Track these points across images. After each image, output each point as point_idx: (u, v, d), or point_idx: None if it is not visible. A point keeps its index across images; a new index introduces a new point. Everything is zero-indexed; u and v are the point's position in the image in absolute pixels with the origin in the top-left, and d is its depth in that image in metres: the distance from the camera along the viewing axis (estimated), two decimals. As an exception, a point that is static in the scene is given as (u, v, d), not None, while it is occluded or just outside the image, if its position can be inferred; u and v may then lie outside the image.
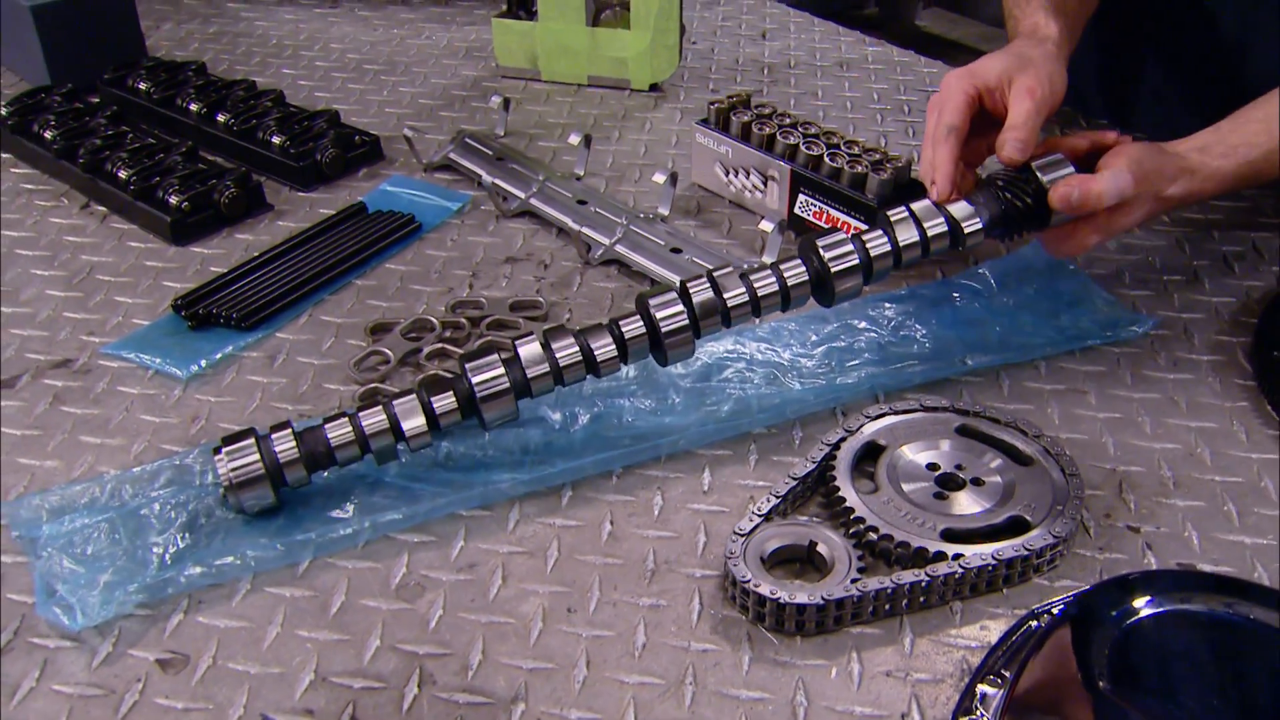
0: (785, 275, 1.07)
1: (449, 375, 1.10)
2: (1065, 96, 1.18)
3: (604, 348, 1.02)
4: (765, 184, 1.38)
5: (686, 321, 1.03)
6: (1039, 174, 1.10)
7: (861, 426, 1.03)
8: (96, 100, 1.68)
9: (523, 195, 1.43)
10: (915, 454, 1.00)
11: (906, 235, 1.09)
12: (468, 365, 1.00)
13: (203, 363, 1.16)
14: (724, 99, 1.43)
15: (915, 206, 1.10)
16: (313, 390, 1.13)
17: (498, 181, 1.42)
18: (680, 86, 1.75)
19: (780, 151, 1.36)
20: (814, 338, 1.16)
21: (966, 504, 0.95)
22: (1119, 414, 1.08)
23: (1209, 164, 1.14)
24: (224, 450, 0.96)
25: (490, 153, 1.53)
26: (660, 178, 1.36)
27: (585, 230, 1.32)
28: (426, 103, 1.72)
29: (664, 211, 1.39)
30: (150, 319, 1.23)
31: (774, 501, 0.95)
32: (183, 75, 1.68)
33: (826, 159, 1.31)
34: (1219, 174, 1.14)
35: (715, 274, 1.06)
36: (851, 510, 0.94)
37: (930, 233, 1.09)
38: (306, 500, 0.99)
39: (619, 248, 1.32)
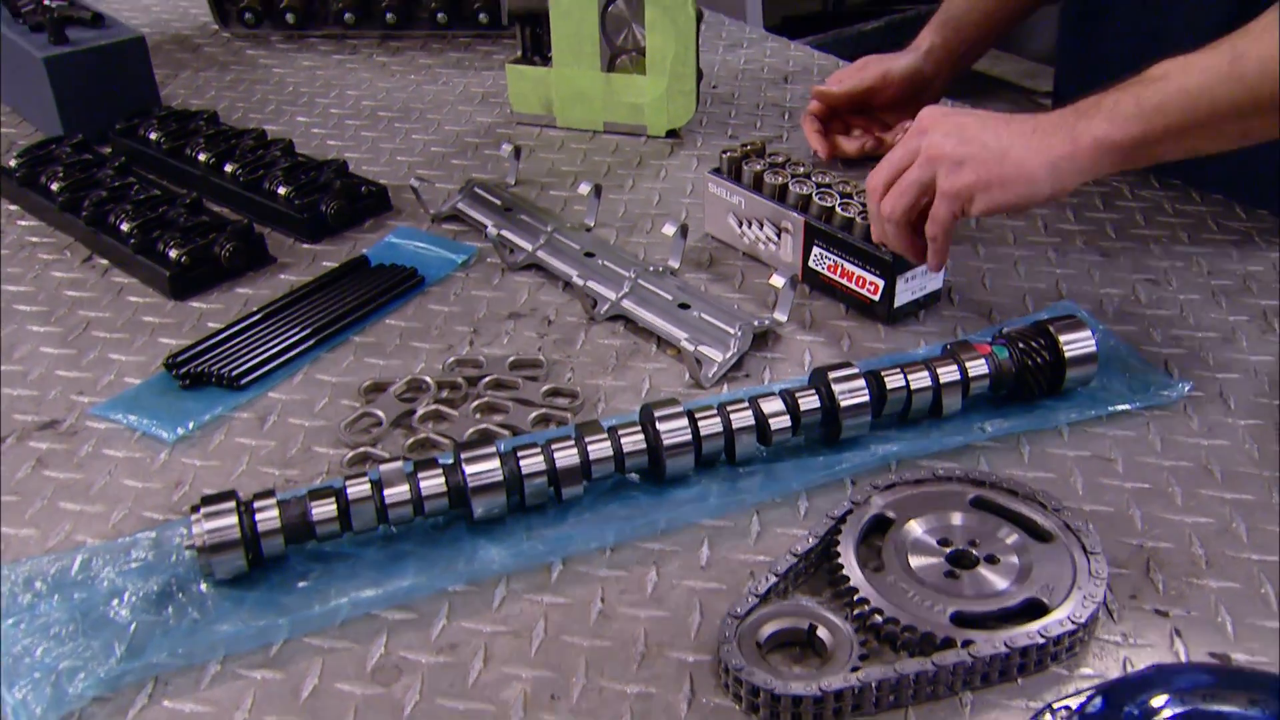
0: (801, 405, 1.05)
1: (443, 444, 1.07)
2: None
3: (602, 454, 1.00)
4: (779, 236, 1.33)
5: (689, 438, 1.02)
6: (1057, 334, 1.09)
7: (869, 498, 0.97)
8: (108, 151, 1.67)
9: (529, 247, 1.39)
10: (926, 529, 0.94)
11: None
12: (463, 455, 0.96)
13: (191, 424, 1.12)
14: (737, 147, 1.39)
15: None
16: (301, 454, 1.09)
17: (504, 233, 1.38)
18: (698, 133, 1.71)
19: (793, 202, 1.31)
20: (824, 401, 1.11)
21: (980, 584, 0.89)
22: (1148, 484, 1.01)
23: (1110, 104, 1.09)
24: (202, 510, 0.92)
25: (499, 203, 1.49)
26: (670, 229, 1.32)
27: (591, 284, 1.27)
28: (438, 150, 1.69)
29: (674, 264, 1.35)
30: (143, 377, 1.20)
31: (772, 580, 0.89)
32: (194, 124, 1.67)
33: (839, 210, 1.26)
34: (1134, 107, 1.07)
35: (728, 407, 1.04)
36: (855, 590, 0.88)
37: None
38: (284, 573, 0.95)
39: (625, 303, 1.28)
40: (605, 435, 1.01)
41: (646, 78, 1.65)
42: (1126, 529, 0.96)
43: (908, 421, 1.09)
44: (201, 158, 1.57)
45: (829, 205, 1.27)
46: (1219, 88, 1.05)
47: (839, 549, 0.92)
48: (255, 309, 1.29)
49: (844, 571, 0.90)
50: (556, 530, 0.98)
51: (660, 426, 1.01)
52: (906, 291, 1.23)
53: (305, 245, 1.45)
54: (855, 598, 0.88)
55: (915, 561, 0.91)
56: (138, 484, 1.06)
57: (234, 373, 1.18)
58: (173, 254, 1.34)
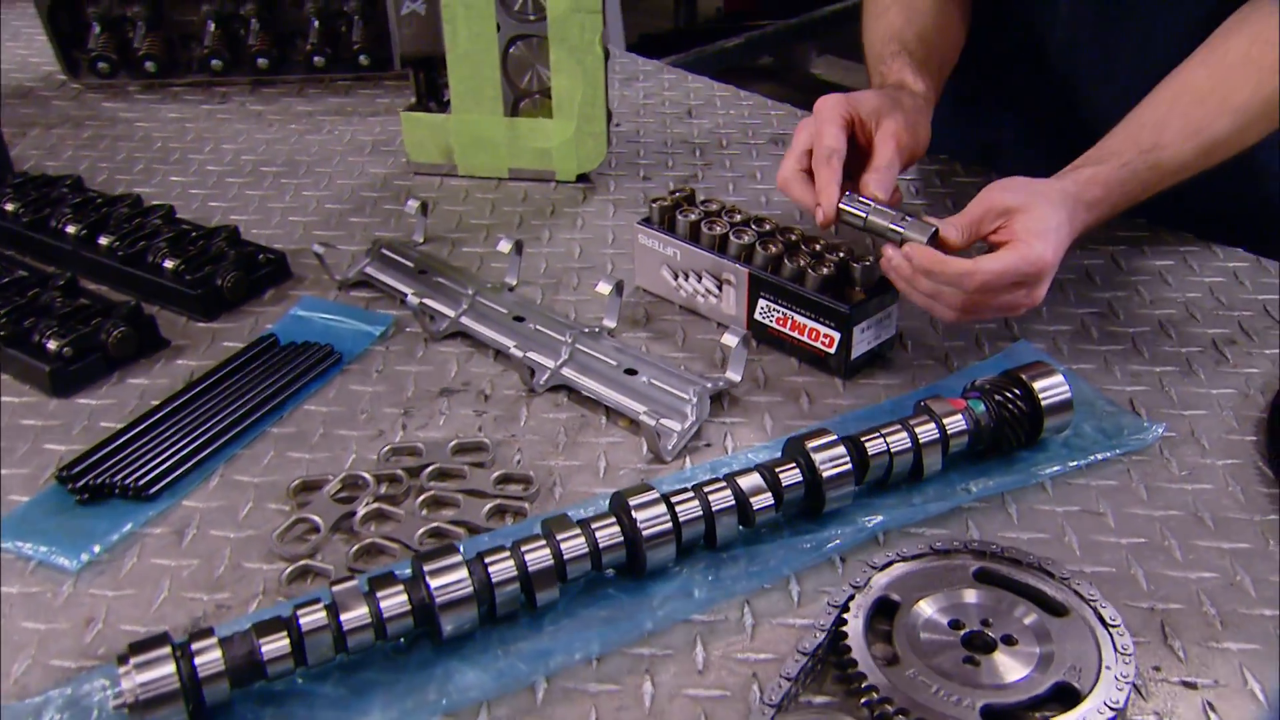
0: (782, 480, 0.99)
1: (392, 549, 0.96)
2: (934, 146, 1.26)
3: (576, 553, 0.92)
4: (720, 288, 1.27)
5: (669, 528, 0.94)
6: (1031, 383, 1.06)
7: (870, 580, 0.91)
8: (-42, 225, 1.50)
9: (452, 314, 1.29)
10: (935, 610, 0.88)
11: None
12: (425, 567, 0.86)
13: (96, 548, 0.99)
14: (667, 195, 1.32)
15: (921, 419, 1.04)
16: (230, 572, 0.97)
17: (424, 300, 1.28)
18: (609, 175, 1.63)
19: (735, 253, 1.24)
20: (798, 472, 1.04)
21: (1002, 670, 0.83)
22: (1143, 538, 0.97)
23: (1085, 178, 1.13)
24: (131, 661, 0.80)
25: (411, 264, 1.39)
26: (605, 288, 1.24)
27: (530, 355, 1.18)
28: (334, 208, 1.57)
29: (610, 324, 1.27)
30: (31, 493, 1.06)
31: (786, 687, 0.82)
32: (56, 192, 1.51)
33: (787, 260, 1.20)
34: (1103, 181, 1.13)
35: (705, 489, 0.97)
36: (874, 689, 0.81)
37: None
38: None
39: (566, 371, 1.19)
40: (578, 531, 0.92)
41: (553, 121, 1.57)
42: (1133, 590, 0.92)
43: (887, 486, 1.03)
44: (70, 230, 1.42)
45: (775, 254, 1.21)
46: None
47: (848, 641, 0.85)
48: (155, 403, 1.16)
49: (859, 668, 0.83)
50: (534, 643, 0.89)
51: (637, 516, 0.93)
52: (863, 342, 1.18)
53: (201, 324, 1.31)
54: (876, 697, 0.81)
55: (930, 649, 0.85)
56: (40, 626, 0.92)
57: (140, 481, 1.05)
58: (51, 345, 1.20)
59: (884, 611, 0.89)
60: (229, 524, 1.02)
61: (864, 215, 1.12)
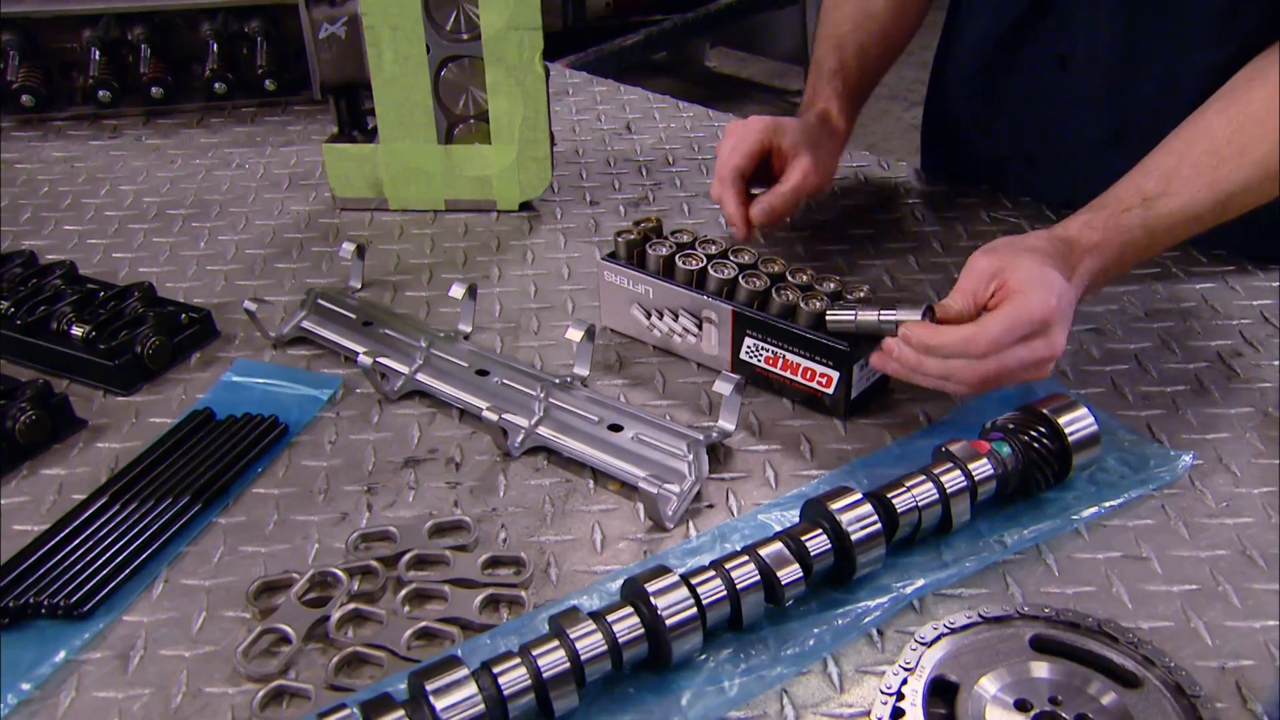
0: (810, 549, 0.90)
1: (377, 659, 0.85)
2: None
3: (594, 651, 0.82)
4: (700, 327, 1.17)
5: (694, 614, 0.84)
6: (1055, 418, 0.99)
7: (920, 658, 0.82)
8: None
9: (406, 370, 1.17)
10: (997, 690, 0.80)
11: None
12: (427, 686, 0.75)
13: (25, 686, 0.85)
14: (631, 227, 1.21)
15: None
16: (191, 701, 0.84)
17: (376, 361, 1.15)
18: (553, 202, 1.52)
19: (715, 289, 1.15)
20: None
21: (1084, 756, 0.76)
22: (1195, 584, 0.91)
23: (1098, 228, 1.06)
24: None
25: (353, 316, 1.26)
26: (576, 334, 1.13)
27: (506, 417, 1.07)
28: (256, 253, 1.43)
29: (583, 373, 1.16)
30: (-60, 618, 0.91)
31: (854, 798, 0.73)
32: (-63, 252, 1.34)
33: (775, 295, 1.11)
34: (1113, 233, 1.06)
35: (726, 565, 0.87)
36: (953, 792, 0.73)
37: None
38: None
39: (543, 430, 1.08)
40: (593, 626, 0.82)
41: (492, 147, 1.46)
42: (1199, 649, 0.85)
43: (913, 543, 0.95)
44: (-43, 297, 1.26)
45: (760, 290, 1.12)
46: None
47: (914, 736, 0.77)
48: (78, 498, 1.02)
49: (932, 768, 0.74)
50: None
51: (658, 603, 0.83)
52: (862, 380, 1.10)
53: (120, 398, 1.17)
54: (956, 802, 0.72)
55: (1001, 735, 0.77)
56: (-30, 787, 0.78)
57: (70, 599, 0.91)
58: (-51, 439, 1.05)
59: (939, 693, 0.81)
60: (181, 640, 0.89)
61: (852, 317, 1.05)
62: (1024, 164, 1.48)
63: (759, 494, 1.02)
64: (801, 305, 1.09)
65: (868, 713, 0.81)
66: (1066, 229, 1.06)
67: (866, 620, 0.88)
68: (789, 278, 1.13)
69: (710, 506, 1.01)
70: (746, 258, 1.17)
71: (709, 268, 1.15)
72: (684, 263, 1.16)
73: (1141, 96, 1.31)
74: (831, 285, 1.12)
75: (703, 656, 0.86)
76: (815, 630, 0.87)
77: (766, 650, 0.86)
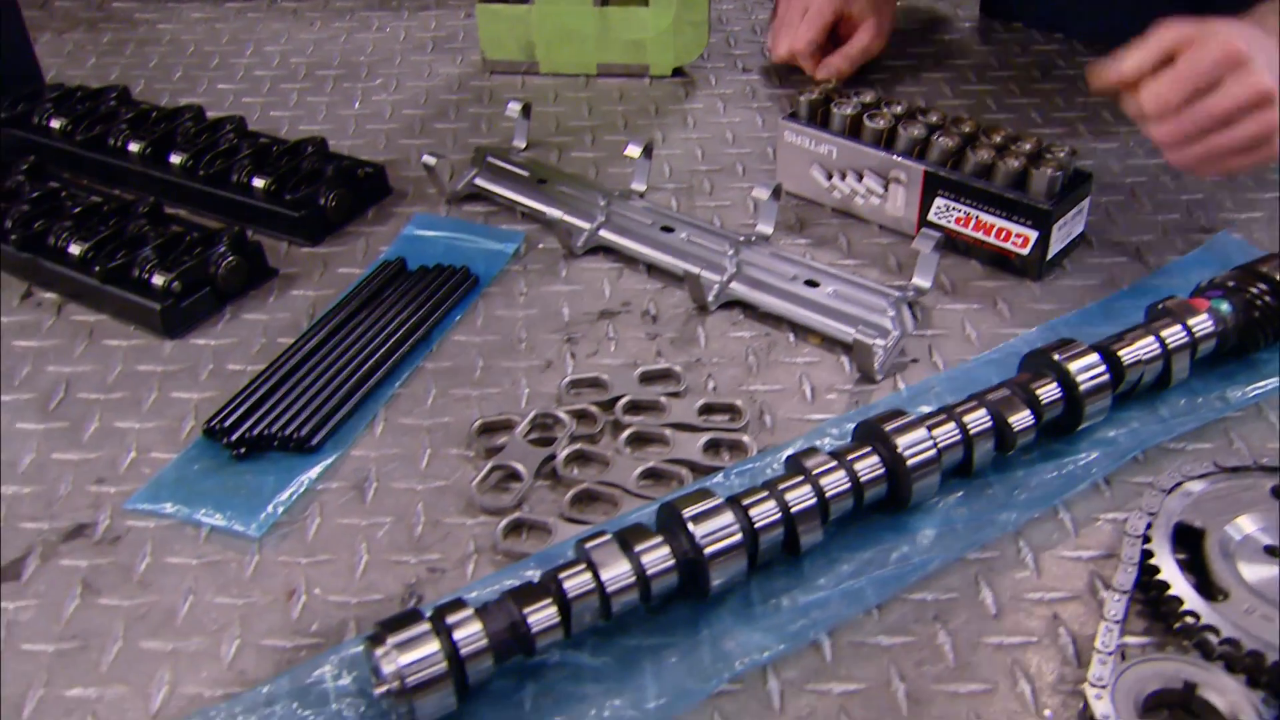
0: (1041, 397, 0.89)
1: (611, 495, 0.86)
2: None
3: (838, 489, 0.83)
4: (885, 188, 1.16)
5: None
6: (1276, 275, 0.97)
7: (1162, 504, 0.83)
8: (-9, 146, 1.34)
9: (588, 226, 1.17)
10: (1249, 533, 0.80)
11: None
12: (685, 513, 0.76)
13: (278, 509, 0.87)
14: (813, 88, 1.20)
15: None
16: (431, 530, 0.86)
17: (564, 215, 1.15)
18: (705, 68, 1.50)
19: (905, 148, 1.14)
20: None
21: (1341, 598, 0.76)
22: None
23: None
24: (390, 641, 0.69)
25: (525, 174, 1.25)
26: (762, 193, 1.12)
27: (705, 273, 1.06)
28: (413, 113, 1.42)
29: (766, 231, 1.15)
30: (171, 448, 0.94)
31: (1116, 631, 0.74)
32: (104, 105, 1.35)
33: (969, 154, 1.10)
34: None
35: (958, 410, 0.88)
36: (1213, 629, 0.74)
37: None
38: (495, 705, 0.73)
39: (737, 286, 1.08)
40: (836, 463, 0.83)
41: (649, 9, 1.43)
42: None
43: (1129, 399, 0.95)
44: (134, 148, 1.27)
45: (953, 148, 1.11)
46: None
47: (1163, 576, 0.77)
48: (288, 341, 1.03)
49: (1187, 606, 0.75)
50: (804, 594, 0.80)
51: (898, 442, 0.83)
52: (1058, 240, 1.09)
53: (305, 249, 1.18)
54: (1219, 639, 0.73)
55: (1252, 579, 0.77)
56: (235, 600, 0.81)
57: (301, 431, 0.93)
58: (158, 280, 1.06)
59: (1181, 539, 0.82)
60: (411, 475, 0.91)
61: None
62: None
63: (960, 350, 1.02)
64: (999, 164, 1.08)
65: (1105, 555, 0.82)
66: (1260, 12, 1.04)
67: (1095, 469, 0.88)
68: (982, 137, 1.12)
69: (914, 361, 1.01)
70: (935, 117, 1.15)
71: (899, 127, 1.14)
72: (871, 121, 1.15)
73: None
74: (1028, 146, 1.10)
75: (935, 501, 0.87)
76: (1043, 479, 0.88)
77: (997, 497, 0.87)
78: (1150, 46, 0.99)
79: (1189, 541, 0.81)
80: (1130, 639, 0.76)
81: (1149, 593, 0.78)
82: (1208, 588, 0.77)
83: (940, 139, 1.11)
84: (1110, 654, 0.72)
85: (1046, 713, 0.72)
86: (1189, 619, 0.75)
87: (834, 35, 1.43)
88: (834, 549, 0.83)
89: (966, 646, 0.77)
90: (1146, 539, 0.80)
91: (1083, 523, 0.85)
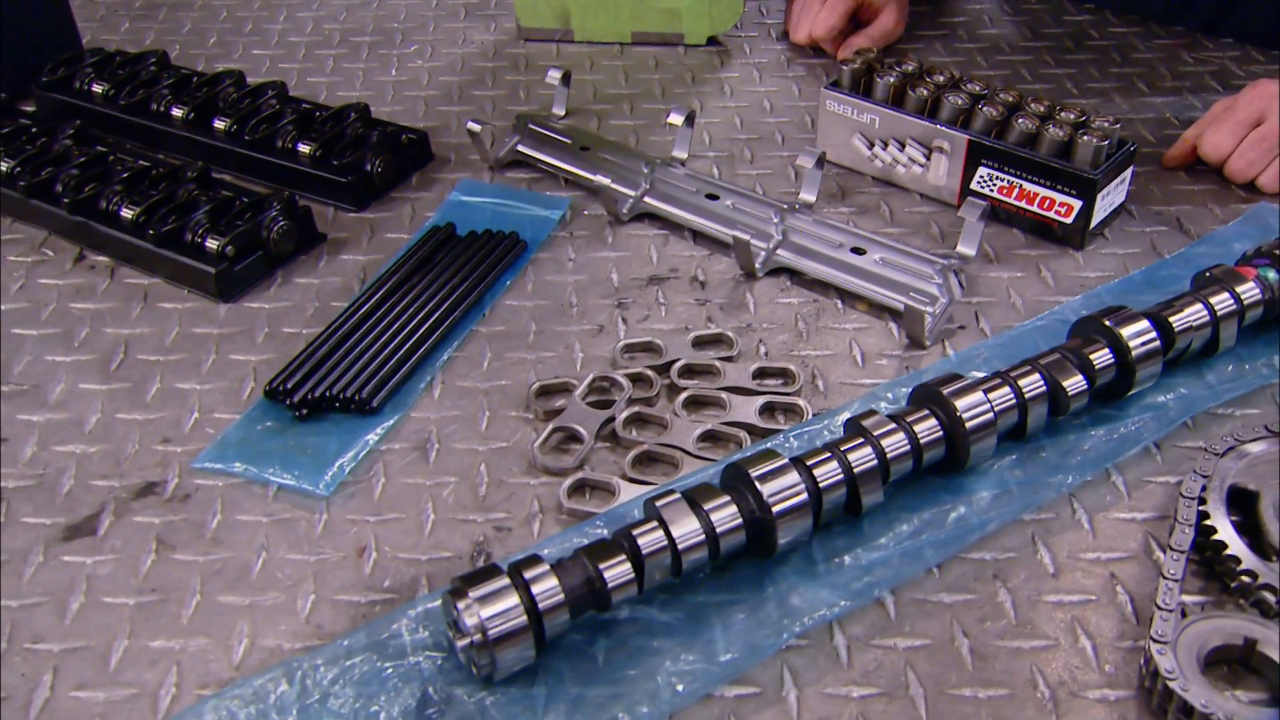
0: (1095, 362, 0.90)
1: (671, 457, 0.88)
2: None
3: (898, 450, 0.84)
4: (928, 157, 1.17)
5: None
6: None
7: (1216, 467, 0.85)
8: (31, 110, 1.34)
9: (633, 193, 1.18)
10: (1297, 497, 0.82)
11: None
12: (752, 472, 0.78)
13: (344, 468, 0.89)
14: (854, 57, 1.21)
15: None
16: (495, 490, 0.88)
17: (609, 182, 1.16)
18: (739, 37, 1.51)
19: (949, 117, 1.15)
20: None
21: (1389, 558, 0.78)
22: None
23: None
24: (471, 594, 0.71)
25: (568, 141, 1.26)
26: (807, 161, 1.13)
27: (753, 240, 1.08)
28: (450, 80, 1.43)
29: (810, 199, 1.17)
30: (233, 408, 0.95)
31: (1175, 589, 0.76)
32: (144, 70, 1.35)
33: (1014, 123, 1.11)
34: None
35: (1013, 375, 0.89)
36: (1271, 588, 0.76)
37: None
38: (571, 658, 0.75)
39: (783, 252, 1.10)
40: (895, 426, 0.84)
41: (685, -22, 1.44)
42: None
43: (1176, 366, 0.97)
44: (176, 113, 1.27)
45: (998, 117, 1.12)
46: None
47: (1220, 537, 0.79)
48: (342, 305, 1.05)
49: (1245, 565, 0.77)
50: (866, 553, 0.82)
51: (957, 404, 0.85)
52: (1102, 209, 1.10)
53: (351, 214, 1.19)
54: (1278, 598, 0.75)
55: (1306, 540, 0.79)
56: (308, 557, 0.83)
57: (362, 393, 0.94)
58: (212, 244, 1.07)
59: (1235, 501, 0.83)
60: (472, 436, 0.92)
61: None
62: None
63: (1006, 317, 1.04)
64: (1045, 133, 1.09)
65: (1158, 517, 0.84)
66: None
67: (1145, 434, 0.90)
68: (1027, 105, 1.13)
69: (962, 328, 1.03)
70: (977, 87, 1.16)
71: (942, 96, 1.15)
72: (914, 91, 1.16)
73: None
74: (1074, 115, 1.11)
75: (990, 463, 0.88)
76: (1094, 443, 0.90)
77: (1050, 460, 0.89)
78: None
79: (1243, 504, 0.83)
80: (1187, 598, 0.78)
81: (1204, 553, 0.80)
82: (1262, 548, 0.79)
83: (984, 108, 1.12)
84: (1171, 611, 0.74)
85: (1108, 668, 0.74)
86: (1245, 578, 0.77)
87: (853, 20, 1.46)
88: (892, 509, 0.85)
89: (1026, 604, 0.79)
90: (1202, 500, 0.82)
91: (1135, 486, 0.87)
